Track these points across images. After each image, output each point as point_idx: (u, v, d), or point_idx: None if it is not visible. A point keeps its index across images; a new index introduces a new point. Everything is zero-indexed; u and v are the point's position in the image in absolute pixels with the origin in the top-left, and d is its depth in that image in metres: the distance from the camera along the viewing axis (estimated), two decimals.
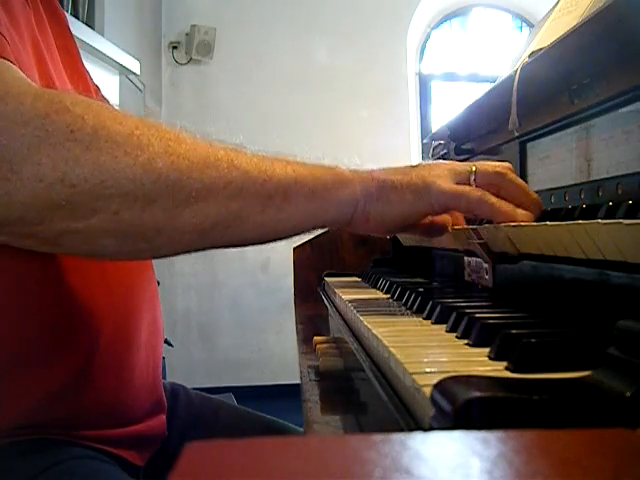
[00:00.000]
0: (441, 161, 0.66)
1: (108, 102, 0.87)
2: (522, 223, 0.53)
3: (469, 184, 0.59)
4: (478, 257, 0.68)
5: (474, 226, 0.62)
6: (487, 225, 0.60)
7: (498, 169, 0.60)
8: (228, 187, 0.52)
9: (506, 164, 0.61)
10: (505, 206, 0.56)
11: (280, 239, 0.59)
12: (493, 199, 0.57)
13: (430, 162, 0.63)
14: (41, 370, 0.61)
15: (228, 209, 0.53)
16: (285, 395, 2.63)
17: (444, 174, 0.59)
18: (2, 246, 0.55)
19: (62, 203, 0.48)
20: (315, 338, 0.77)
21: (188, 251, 0.57)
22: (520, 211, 0.57)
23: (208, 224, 0.53)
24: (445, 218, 0.67)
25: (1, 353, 0.60)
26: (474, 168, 0.60)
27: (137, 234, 0.52)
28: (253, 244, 0.58)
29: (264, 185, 0.53)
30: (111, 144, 0.49)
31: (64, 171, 0.48)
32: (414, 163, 0.63)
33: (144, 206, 0.50)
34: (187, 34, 3.49)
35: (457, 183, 0.59)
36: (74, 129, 0.48)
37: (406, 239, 0.99)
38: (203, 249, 0.58)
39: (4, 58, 0.52)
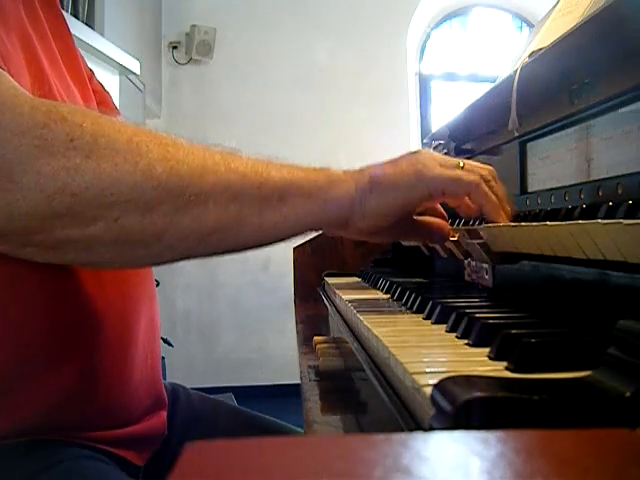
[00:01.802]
0: (427, 149, 0.66)
1: (103, 87, 0.85)
2: (522, 223, 0.53)
3: None
4: (474, 259, 0.68)
5: (472, 227, 0.62)
6: (487, 225, 0.60)
7: (484, 171, 0.60)
8: (226, 191, 0.52)
9: (491, 168, 0.62)
10: (494, 198, 0.58)
11: (278, 241, 0.59)
12: (486, 188, 0.58)
13: (416, 150, 0.63)
14: (42, 377, 0.61)
15: (227, 212, 0.53)
16: (285, 395, 2.63)
17: (433, 161, 0.60)
18: None
19: (63, 212, 0.48)
20: (315, 338, 0.77)
21: (187, 257, 0.57)
22: (502, 212, 0.59)
23: (207, 229, 0.53)
24: (443, 223, 0.67)
25: (1, 359, 0.60)
26: (462, 164, 0.60)
27: (137, 241, 0.52)
28: (252, 248, 0.58)
29: (261, 188, 0.54)
30: (111, 152, 0.49)
31: (65, 181, 0.48)
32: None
33: (144, 212, 0.50)
34: (187, 34, 3.49)
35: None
36: (73, 137, 0.48)
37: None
38: (202, 255, 0.57)
39: None
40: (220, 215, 0.52)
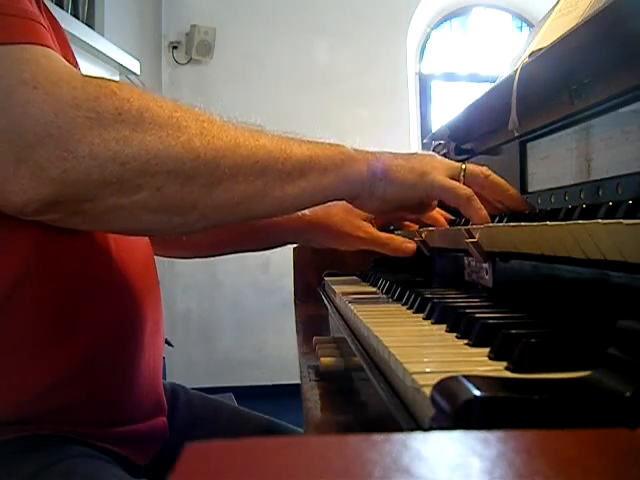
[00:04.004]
0: (435, 154, 0.72)
1: None
2: (522, 223, 0.53)
3: (459, 180, 0.66)
4: (471, 256, 0.69)
5: (467, 226, 0.63)
6: (487, 225, 0.60)
7: (484, 170, 0.67)
8: (255, 165, 0.58)
9: (486, 168, 0.69)
10: (483, 212, 0.63)
11: (297, 211, 0.67)
12: (477, 203, 0.63)
13: (427, 152, 0.72)
14: (43, 358, 0.62)
15: (254, 185, 0.58)
16: (285, 395, 2.64)
17: (440, 166, 0.66)
18: (13, 234, 0.58)
19: (112, 180, 0.52)
20: (315, 338, 0.77)
21: (216, 225, 0.63)
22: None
23: (237, 199, 0.58)
24: (437, 217, 0.77)
25: (9, 338, 0.61)
26: (464, 167, 0.67)
27: (175, 209, 0.56)
28: (273, 217, 0.66)
29: (284, 163, 0.59)
30: (154, 125, 0.53)
31: (115, 150, 0.52)
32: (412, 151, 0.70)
33: (184, 182, 0.55)
34: (187, 34, 3.49)
35: (450, 177, 0.66)
36: (122, 111, 0.52)
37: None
38: (229, 223, 0.64)
39: (50, 48, 0.55)
40: (248, 187, 0.57)
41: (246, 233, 0.92)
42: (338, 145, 0.64)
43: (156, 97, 0.56)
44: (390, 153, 0.66)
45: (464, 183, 0.65)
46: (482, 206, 0.63)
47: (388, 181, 0.63)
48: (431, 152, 0.76)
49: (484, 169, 0.68)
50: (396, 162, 0.64)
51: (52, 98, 0.51)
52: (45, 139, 0.50)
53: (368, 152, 0.65)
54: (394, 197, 0.64)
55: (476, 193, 0.65)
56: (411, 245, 0.85)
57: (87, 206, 0.54)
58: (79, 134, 0.51)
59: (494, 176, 0.67)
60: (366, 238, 0.89)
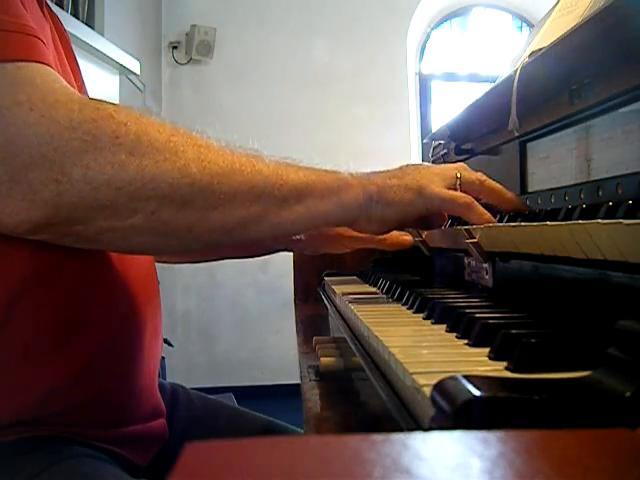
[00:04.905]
0: (428, 164, 0.72)
1: None
2: (522, 223, 0.54)
3: (455, 189, 0.66)
4: (471, 256, 0.69)
5: (467, 226, 0.63)
6: (487, 224, 0.60)
7: (479, 176, 0.68)
8: (251, 191, 0.57)
9: (481, 174, 0.69)
10: (487, 216, 0.63)
11: (293, 235, 0.67)
12: (479, 209, 0.63)
13: (420, 164, 0.69)
14: (44, 364, 0.62)
15: (250, 210, 0.58)
16: (285, 395, 2.64)
17: (435, 178, 0.66)
18: (12, 245, 0.57)
19: (106, 204, 0.52)
20: (315, 338, 0.77)
21: (212, 247, 0.64)
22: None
23: (233, 224, 0.58)
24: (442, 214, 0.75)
25: (11, 344, 0.61)
26: (459, 175, 0.67)
27: (170, 232, 0.56)
28: (269, 241, 0.67)
29: (280, 189, 0.59)
30: (151, 150, 0.53)
31: (111, 174, 0.51)
32: (405, 163, 0.69)
33: (179, 207, 0.54)
34: (187, 34, 3.49)
35: (446, 187, 0.65)
36: (119, 135, 0.52)
37: None
38: (225, 246, 0.65)
39: (48, 65, 0.55)
40: (244, 212, 0.57)
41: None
42: (335, 171, 0.64)
43: (153, 121, 0.55)
44: (384, 173, 0.66)
45: (461, 191, 0.65)
46: (484, 211, 0.63)
47: (384, 203, 0.63)
48: (424, 163, 0.76)
49: (479, 175, 0.67)
50: (390, 182, 0.64)
51: (48, 120, 0.50)
52: (39, 161, 0.50)
53: (363, 176, 0.65)
54: (392, 218, 0.65)
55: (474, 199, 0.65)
56: (408, 237, 0.86)
57: (79, 228, 0.53)
58: (74, 157, 0.50)
59: (489, 181, 0.67)
60: (361, 237, 0.89)
